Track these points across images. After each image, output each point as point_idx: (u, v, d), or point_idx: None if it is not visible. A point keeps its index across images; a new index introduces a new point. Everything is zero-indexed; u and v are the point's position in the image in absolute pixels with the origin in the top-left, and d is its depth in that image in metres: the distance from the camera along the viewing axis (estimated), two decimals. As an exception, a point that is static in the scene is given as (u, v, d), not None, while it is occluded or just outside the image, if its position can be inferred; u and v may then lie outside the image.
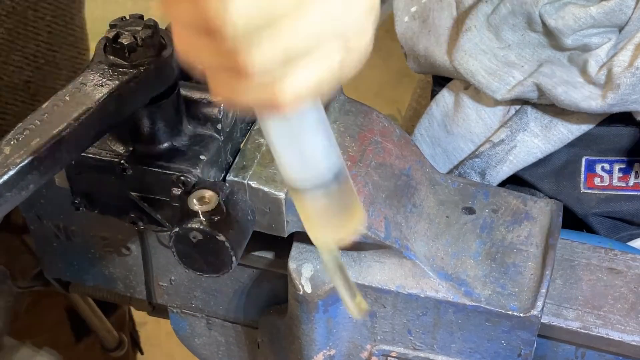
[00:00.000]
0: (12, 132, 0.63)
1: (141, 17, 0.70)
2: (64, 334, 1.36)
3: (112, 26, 0.69)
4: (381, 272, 0.77)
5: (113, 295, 0.95)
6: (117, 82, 0.67)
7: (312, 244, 0.77)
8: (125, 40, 0.67)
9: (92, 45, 0.73)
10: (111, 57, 0.68)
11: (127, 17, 0.70)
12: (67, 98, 0.66)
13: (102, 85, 0.67)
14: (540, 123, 0.95)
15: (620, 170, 0.95)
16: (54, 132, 0.63)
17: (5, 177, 0.61)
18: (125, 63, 0.68)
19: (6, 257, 1.03)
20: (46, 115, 0.64)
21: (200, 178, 0.71)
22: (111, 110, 0.66)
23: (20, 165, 0.61)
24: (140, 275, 0.89)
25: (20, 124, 0.64)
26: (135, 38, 0.68)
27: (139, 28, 0.68)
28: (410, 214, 0.79)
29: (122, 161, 0.72)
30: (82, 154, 0.73)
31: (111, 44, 0.68)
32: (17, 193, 0.62)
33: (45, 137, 0.63)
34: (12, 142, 0.62)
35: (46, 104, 0.65)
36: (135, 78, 0.67)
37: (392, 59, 2.55)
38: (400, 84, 2.40)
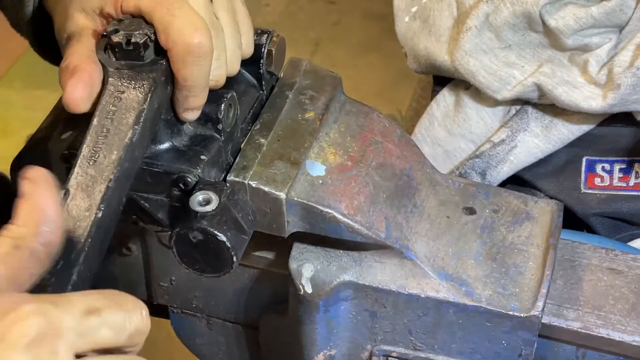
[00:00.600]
0: (81, 157, 0.64)
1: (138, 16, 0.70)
2: None
3: (113, 30, 0.69)
4: (382, 272, 0.76)
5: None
6: (150, 80, 0.68)
7: (312, 243, 0.77)
8: (138, 39, 0.68)
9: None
10: (125, 62, 0.68)
11: (123, 18, 0.70)
12: (114, 108, 0.66)
13: (140, 87, 0.67)
14: (540, 123, 0.95)
15: (620, 170, 0.95)
16: (126, 141, 0.65)
17: (109, 194, 0.62)
18: (142, 62, 0.68)
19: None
20: (105, 129, 0.65)
21: (200, 178, 0.71)
22: (156, 106, 0.68)
23: (114, 180, 0.63)
24: (141, 276, 0.89)
25: (84, 146, 0.65)
26: (147, 35, 0.68)
27: (142, 25, 0.68)
28: (411, 214, 0.79)
29: (123, 161, 0.72)
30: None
31: (122, 48, 0.68)
32: (118, 207, 0.64)
33: (119, 148, 0.64)
34: (90, 163, 0.63)
35: (94, 121, 0.66)
36: (161, 72, 0.68)
37: (392, 59, 2.55)
38: (400, 84, 2.40)
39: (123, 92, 0.67)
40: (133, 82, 0.68)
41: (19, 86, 2.45)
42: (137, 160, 0.66)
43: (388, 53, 2.50)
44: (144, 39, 0.68)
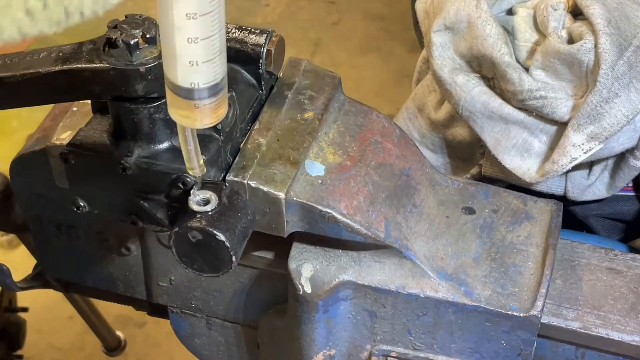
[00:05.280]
0: None
1: (140, 16, 0.70)
2: None
3: (111, 27, 0.69)
4: (381, 272, 0.76)
5: (113, 296, 0.95)
6: (78, 65, 0.69)
7: (312, 243, 0.77)
8: (129, 38, 0.68)
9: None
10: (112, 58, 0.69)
11: (127, 18, 0.70)
12: (41, 56, 0.70)
13: (64, 61, 0.69)
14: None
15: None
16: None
17: None
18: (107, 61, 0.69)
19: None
20: (7, 59, 0.69)
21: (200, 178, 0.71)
22: (61, 86, 0.70)
23: None
24: (140, 275, 0.89)
25: None
26: (143, 33, 0.68)
27: (140, 26, 0.69)
28: (410, 214, 0.79)
29: (122, 161, 0.72)
30: (81, 154, 0.73)
31: (113, 44, 0.68)
32: None
33: None
34: None
35: (26, 51, 0.70)
36: (90, 71, 0.69)
37: (392, 59, 2.55)
38: (400, 84, 2.40)
39: (59, 54, 0.71)
40: (68, 55, 0.71)
41: (19, 86, 2.44)
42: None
43: (388, 53, 2.50)
44: (133, 40, 0.69)
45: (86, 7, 0.55)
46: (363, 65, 2.51)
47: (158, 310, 0.95)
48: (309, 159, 0.76)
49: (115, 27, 0.69)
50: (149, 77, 0.69)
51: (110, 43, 0.69)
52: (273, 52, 0.79)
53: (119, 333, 1.66)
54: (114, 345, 1.66)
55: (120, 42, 0.68)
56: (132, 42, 0.68)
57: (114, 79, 0.69)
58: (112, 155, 0.72)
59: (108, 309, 1.61)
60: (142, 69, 0.68)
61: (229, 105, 0.74)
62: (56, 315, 1.90)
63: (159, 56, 0.69)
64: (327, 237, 0.75)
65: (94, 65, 0.69)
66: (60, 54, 0.70)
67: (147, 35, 0.69)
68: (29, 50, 0.71)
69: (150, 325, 1.87)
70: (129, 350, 1.77)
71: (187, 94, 0.61)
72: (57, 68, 0.69)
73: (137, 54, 0.69)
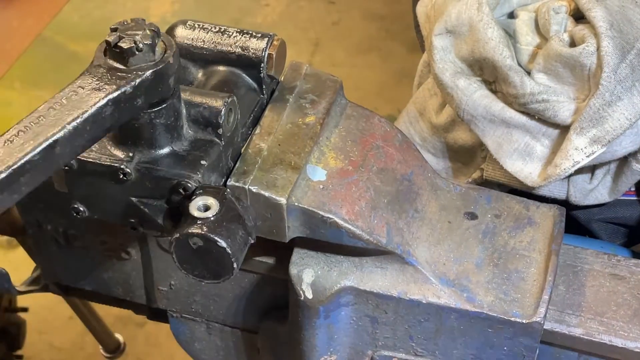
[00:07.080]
0: (6, 133, 0.63)
1: (143, 21, 0.70)
2: None
3: (113, 29, 0.68)
4: (383, 278, 0.76)
5: (112, 300, 0.95)
6: (114, 86, 0.66)
7: (313, 249, 0.77)
8: (125, 44, 0.67)
9: (93, 45, 0.73)
10: (110, 61, 0.68)
11: (129, 21, 0.69)
12: (64, 101, 0.65)
13: (99, 90, 0.66)
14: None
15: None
16: (48, 135, 0.63)
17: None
18: (124, 67, 0.67)
19: None
20: (41, 118, 0.64)
21: (201, 183, 0.71)
22: (107, 115, 0.66)
23: (13, 167, 0.61)
24: (140, 280, 0.89)
25: (15, 125, 0.63)
26: (135, 42, 0.67)
27: (140, 32, 0.68)
28: (412, 219, 0.79)
29: (123, 166, 0.71)
30: (82, 158, 0.72)
31: (111, 48, 0.68)
32: (9, 196, 0.62)
33: (38, 140, 0.62)
34: (5, 144, 0.62)
35: (42, 106, 0.65)
36: (133, 83, 0.67)
37: (392, 59, 2.54)
38: (400, 84, 2.39)
39: (82, 89, 0.66)
40: (98, 83, 0.67)
41: (19, 86, 2.44)
42: (55, 158, 0.64)
43: (388, 53, 2.49)
44: (130, 45, 0.67)
45: None
46: (363, 65, 2.50)
47: (157, 315, 0.94)
48: (310, 164, 0.76)
49: (116, 30, 0.69)
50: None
51: (130, 50, 0.67)
52: (274, 56, 0.79)
53: (118, 335, 1.66)
54: (113, 348, 1.66)
55: (140, 45, 0.67)
56: (148, 43, 0.68)
57: (152, 82, 0.68)
58: (112, 160, 0.72)
59: (108, 309, 1.61)
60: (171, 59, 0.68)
61: (230, 109, 0.74)
62: (56, 315, 1.90)
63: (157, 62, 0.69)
64: (328, 243, 0.75)
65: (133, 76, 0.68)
66: (90, 91, 0.66)
67: (145, 41, 0.68)
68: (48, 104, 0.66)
69: (151, 325, 1.87)
70: (129, 350, 1.77)
71: None
72: (103, 101, 0.66)
73: (151, 55, 0.68)
